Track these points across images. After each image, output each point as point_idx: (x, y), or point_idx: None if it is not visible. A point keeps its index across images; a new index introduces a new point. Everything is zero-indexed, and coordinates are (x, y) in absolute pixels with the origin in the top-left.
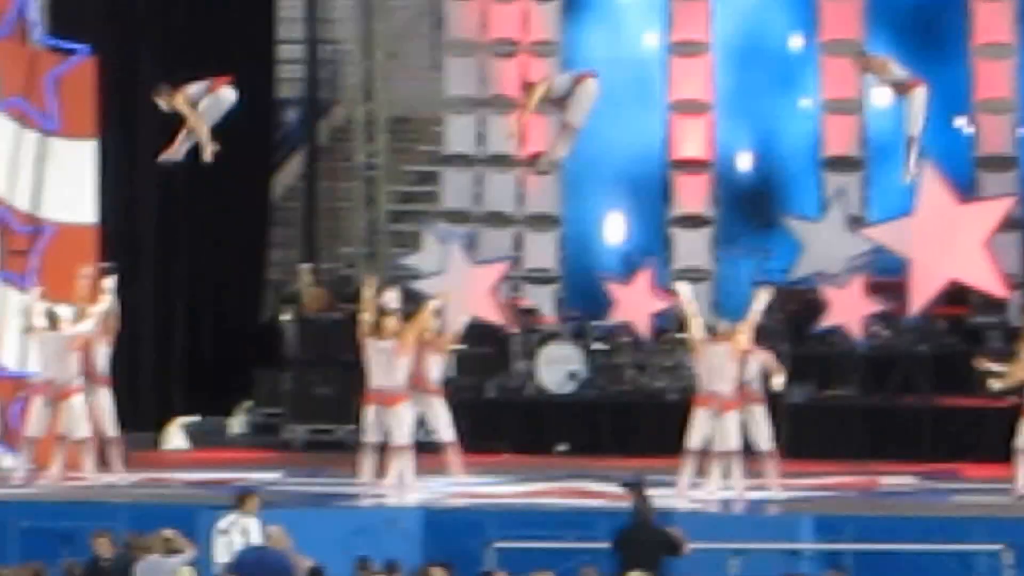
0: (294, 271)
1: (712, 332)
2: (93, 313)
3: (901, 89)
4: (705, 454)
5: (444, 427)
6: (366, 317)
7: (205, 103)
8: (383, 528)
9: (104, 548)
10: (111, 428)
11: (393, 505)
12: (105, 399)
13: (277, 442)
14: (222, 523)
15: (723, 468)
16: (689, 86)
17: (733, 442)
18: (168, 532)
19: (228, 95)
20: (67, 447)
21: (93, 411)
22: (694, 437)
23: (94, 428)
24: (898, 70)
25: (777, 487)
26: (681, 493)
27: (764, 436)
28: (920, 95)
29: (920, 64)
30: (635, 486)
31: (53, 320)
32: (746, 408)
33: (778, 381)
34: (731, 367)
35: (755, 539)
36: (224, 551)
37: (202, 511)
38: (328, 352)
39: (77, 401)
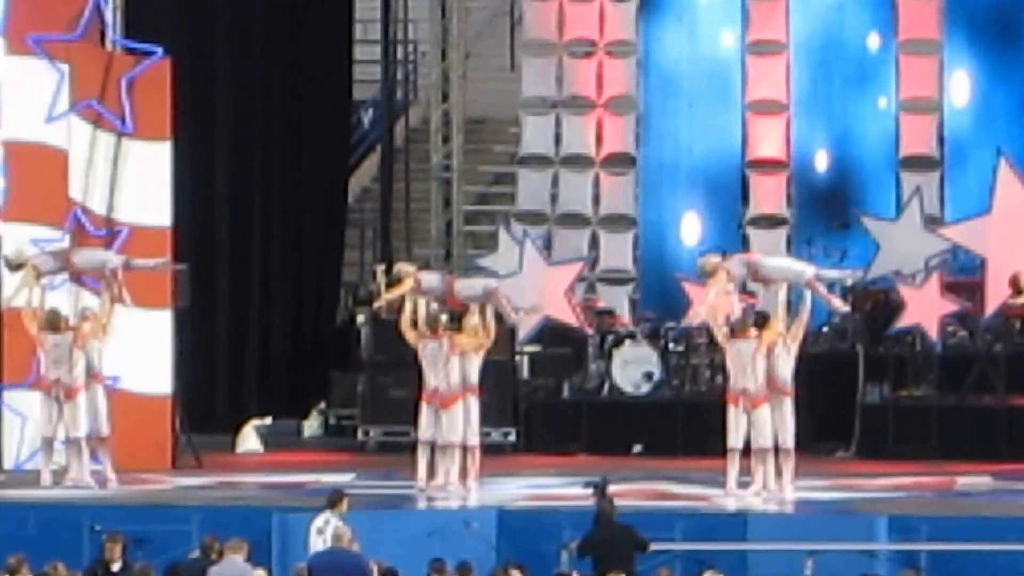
0: (369, 272)
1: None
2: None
3: None
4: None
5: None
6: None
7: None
8: (457, 530)
9: (114, 553)
10: (105, 427)
11: (467, 507)
12: (100, 398)
13: (351, 444)
14: (318, 522)
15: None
16: (766, 86)
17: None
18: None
19: None
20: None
21: (89, 410)
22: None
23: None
24: None
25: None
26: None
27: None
28: None
29: (997, 62)
30: (598, 487)
31: (56, 321)
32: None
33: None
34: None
35: (830, 539)
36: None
37: (276, 513)
38: (403, 354)
39: (81, 400)
